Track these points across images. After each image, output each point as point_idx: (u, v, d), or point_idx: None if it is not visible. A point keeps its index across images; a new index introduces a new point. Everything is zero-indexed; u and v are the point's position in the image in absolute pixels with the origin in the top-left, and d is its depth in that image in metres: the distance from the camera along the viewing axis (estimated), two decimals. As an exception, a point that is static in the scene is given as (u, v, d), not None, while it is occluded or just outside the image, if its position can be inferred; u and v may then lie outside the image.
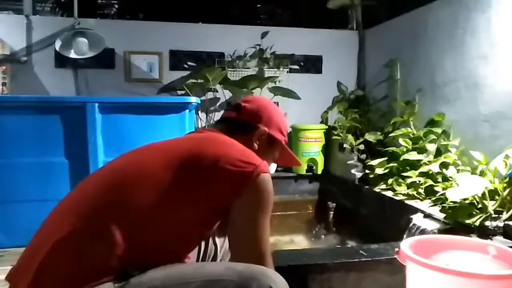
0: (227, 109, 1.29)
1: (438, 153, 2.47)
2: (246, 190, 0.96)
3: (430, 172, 2.33)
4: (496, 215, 1.81)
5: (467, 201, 1.89)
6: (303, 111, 3.63)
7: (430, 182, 2.29)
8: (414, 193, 2.34)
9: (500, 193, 1.83)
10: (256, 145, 1.20)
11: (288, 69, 3.63)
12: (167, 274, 0.88)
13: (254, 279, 0.87)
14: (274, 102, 3.62)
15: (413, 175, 2.41)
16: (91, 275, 0.84)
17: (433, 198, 2.17)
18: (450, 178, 2.23)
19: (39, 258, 0.86)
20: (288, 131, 3.63)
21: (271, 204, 1.00)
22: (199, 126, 3.41)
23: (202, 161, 0.98)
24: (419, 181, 2.35)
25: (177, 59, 3.59)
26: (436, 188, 2.21)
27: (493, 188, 1.85)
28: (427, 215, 2.04)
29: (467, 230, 1.75)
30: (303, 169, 3.46)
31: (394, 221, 2.27)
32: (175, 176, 0.95)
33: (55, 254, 0.86)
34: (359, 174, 2.96)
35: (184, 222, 0.96)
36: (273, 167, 3.48)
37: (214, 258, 1.28)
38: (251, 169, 0.97)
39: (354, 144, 3.12)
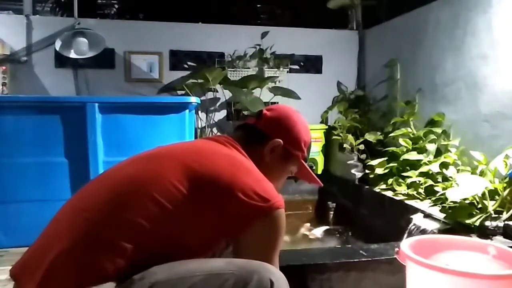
0: (252, 115, 1.28)
1: (438, 153, 2.47)
2: (259, 224, 0.94)
3: (430, 172, 2.33)
4: (496, 215, 1.81)
5: (467, 201, 1.89)
6: (303, 111, 3.55)
7: (430, 182, 2.29)
8: (414, 193, 2.34)
9: (500, 193, 1.83)
10: (268, 157, 1.14)
11: (288, 69, 3.62)
12: (170, 268, 0.88)
13: (255, 272, 0.88)
14: (273, 103, 3.65)
15: (413, 175, 2.41)
16: (93, 282, 0.84)
17: (433, 198, 2.17)
18: (450, 178, 2.23)
19: (45, 263, 0.85)
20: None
21: (282, 240, 0.98)
22: (199, 126, 3.41)
23: (218, 184, 0.95)
24: (419, 181, 2.35)
25: (177, 59, 3.59)
26: (436, 188, 2.21)
27: (493, 188, 1.85)
28: (427, 215, 2.04)
29: (467, 230, 1.75)
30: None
31: (394, 221, 2.27)
32: (188, 194, 0.93)
33: (58, 263, 0.85)
34: (359, 174, 2.96)
35: (189, 238, 0.94)
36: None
37: None
38: (266, 205, 0.94)
39: (354, 144, 3.12)
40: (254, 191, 0.95)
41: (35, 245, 0.93)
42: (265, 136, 1.15)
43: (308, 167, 1.24)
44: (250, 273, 0.87)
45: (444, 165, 2.30)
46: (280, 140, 1.14)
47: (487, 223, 1.76)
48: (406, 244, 1.15)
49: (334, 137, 3.34)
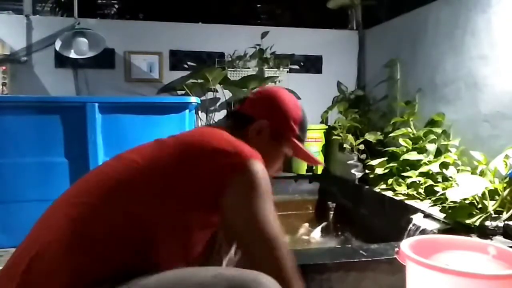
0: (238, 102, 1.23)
1: (438, 153, 2.47)
2: (236, 181, 0.87)
3: (430, 172, 2.33)
4: (496, 215, 1.81)
5: (467, 201, 1.89)
6: None
7: (430, 182, 2.29)
8: (414, 193, 2.34)
9: (500, 193, 1.83)
10: (254, 140, 1.05)
11: (288, 69, 3.63)
12: (158, 278, 0.81)
13: (245, 287, 0.79)
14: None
15: (413, 175, 2.41)
16: (77, 282, 0.79)
17: (433, 198, 2.17)
18: (450, 178, 2.23)
19: (25, 262, 0.82)
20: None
21: (267, 188, 0.90)
22: (199, 126, 3.41)
23: (190, 150, 0.92)
24: (419, 181, 2.35)
25: (177, 59, 3.59)
26: (436, 188, 2.21)
27: (493, 188, 1.85)
28: (427, 215, 2.04)
29: (467, 230, 1.75)
30: (303, 169, 3.46)
31: (394, 221, 2.27)
32: (167, 167, 0.89)
33: (38, 259, 0.81)
34: (359, 174, 2.96)
35: (179, 219, 0.88)
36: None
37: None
38: (239, 160, 0.89)
39: (354, 144, 3.12)
40: (224, 149, 0.90)
41: (17, 249, 0.90)
42: (250, 118, 1.08)
43: (302, 147, 1.14)
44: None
45: (444, 165, 2.30)
46: (266, 121, 1.08)
47: (487, 223, 1.76)
48: (406, 244, 1.15)
49: (334, 137, 3.34)
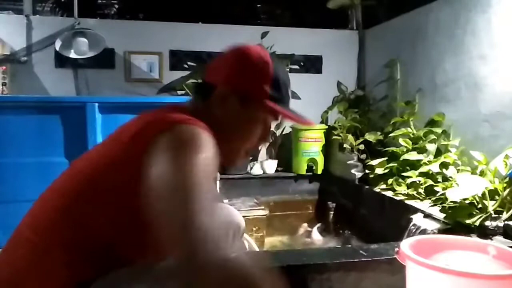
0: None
1: (438, 153, 2.47)
2: (158, 142, 0.73)
3: (430, 172, 2.33)
4: (496, 215, 1.81)
5: (467, 201, 1.89)
6: (303, 111, 3.54)
7: (430, 182, 2.29)
8: (414, 193, 2.34)
9: (500, 193, 1.83)
10: (219, 111, 0.90)
11: (288, 69, 3.63)
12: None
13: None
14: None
15: (413, 175, 2.41)
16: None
17: (433, 198, 2.17)
18: (450, 178, 2.23)
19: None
20: (288, 131, 3.69)
21: (199, 153, 0.71)
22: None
23: (122, 135, 0.84)
24: (419, 181, 2.35)
25: (177, 59, 3.59)
26: (436, 188, 2.21)
27: (493, 188, 1.85)
28: (427, 215, 2.04)
29: (467, 230, 1.75)
30: (303, 169, 3.46)
31: (394, 221, 2.27)
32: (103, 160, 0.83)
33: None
34: (359, 174, 2.96)
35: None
36: (272, 165, 3.49)
37: None
38: (162, 124, 0.77)
39: (354, 144, 3.12)
40: (151, 121, 0.80)
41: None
42: (211, 87, 0.92)
43: (281, 108, 0.96)
44: None
45: (444, 165, 2.30)
46: (229, 86, 0.91)
47: (487, 223, 1.76)
48: (406, 244, 1.15)
49: (334, 137, 3.34)
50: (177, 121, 0.77)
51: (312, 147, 3.45)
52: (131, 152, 0.78)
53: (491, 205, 1.80)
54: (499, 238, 1.70)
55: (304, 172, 3.45)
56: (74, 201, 0.81)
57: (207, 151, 0.72)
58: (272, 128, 0.93)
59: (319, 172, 3.48)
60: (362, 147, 3.10)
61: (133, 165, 0.74)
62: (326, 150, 3.51)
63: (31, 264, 0.78)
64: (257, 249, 1.85)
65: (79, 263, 0.78)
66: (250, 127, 0.95)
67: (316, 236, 2.99)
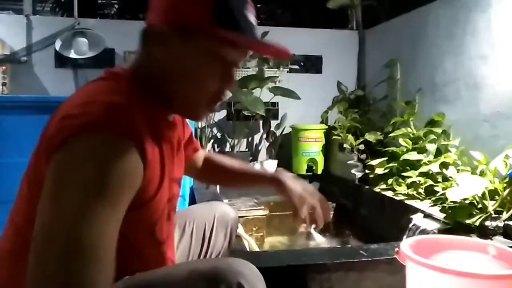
0: None
1: (438, 153, 2.47)
2: (50, 166, 0.62)
3: (430, 172, 2.33)
4: (496, 215, 1.81)
5: (467, 201, 1.89)
6: (303, 111, 3.63)
7: (430, 182, 2.29)
8: (414, 193, 2.34)
9: (500, 193, 1.83)
10: (161, 54, 0.76)
11: (288, 69, 3.63)
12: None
13: (220, 280, 0.67)
14: (273, 103, 3.64)
15: (413, 175, 2.41)
16: None
17: (433, 198, 2.17)
18: (450, 178, 2.23)
19: None
20: (288, 131, 3.69)
21: (90, 179, 0.57)
22: (199, 126, 3.41)
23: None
24: (419, 181, 2.35)
25: (177, 59, 3.58)
26: (436, 188, 2.21)
27: (493, 188, 1.85)
28: (427, 215, 2.04)
29: (467, 230, 1.75)
30: (303, 169, 3.46)
31: (394, 221, 2.27)
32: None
33: None
34: (359, 174, 2.96)
35: None
36: (272, 165, 3.49)
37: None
38: (57, 137, 0.64)
39: (354, 144, 3.12)
40: (54, 124, 0.68)
41: None
42: (149, 29, 0.79)
43: (240, 36, 0.75)
44: (215, 282, 0.67)
45: (444, 165, 2.30)
46: (164, 21, 0.75)
47: (487, 223, 1.76)
48: (406, 244, 1.15)
49: (334, 137, 3.34)
50: (79, 129, 0.61)
51: (312, 147, 3.45)
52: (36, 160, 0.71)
53: (491, 205, 1.80)
54: (499, 238, 1.70)
55: (304, 172, 3.45)
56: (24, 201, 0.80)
57: (111, 177, 0.58)
58: (240, 65, 0.80)
59: (319, 172, 3.48)
60: (362, 147, 3.10)
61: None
62: (326, 150, 3.51)
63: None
64: (257, 249, 1.85)
65: None
66: (200, 65, 0.75)
67: (316, 236, 2.99)
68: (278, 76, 3.53)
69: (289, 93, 3.41)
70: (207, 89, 0.77)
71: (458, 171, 2.27)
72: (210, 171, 1.24)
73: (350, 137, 3.17)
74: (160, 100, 0.78)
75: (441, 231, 1.86)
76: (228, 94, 0.79)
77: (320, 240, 2.87)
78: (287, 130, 3.65)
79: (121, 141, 0.62)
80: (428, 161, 2.41)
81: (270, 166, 3.50)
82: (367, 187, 2.79)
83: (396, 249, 1.17)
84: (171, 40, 0.75)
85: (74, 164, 0.59)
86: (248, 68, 3.48)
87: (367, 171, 2.87)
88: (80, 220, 0.55)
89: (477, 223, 1.75)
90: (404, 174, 2.48)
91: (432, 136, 2.56)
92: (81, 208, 0.56)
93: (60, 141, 0.61)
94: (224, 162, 1.25)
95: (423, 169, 2.37)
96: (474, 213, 1.82)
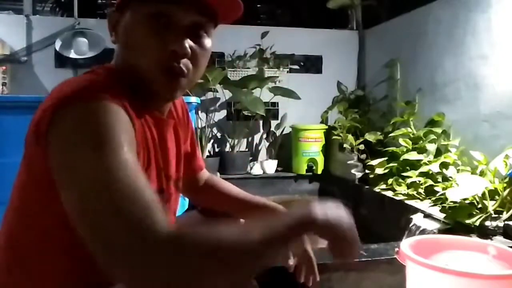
0: None
1: (438, 153, 2.47)
2: (49, 137, 0.62)
3: (430, 172, 2.33)
4: (496, 215, 1.81)
5: (467, 201, 1.89)
6: (303, 111, 3.63)
7: (430, 182, 2.29)
8: (414, 193, 2.34)
9: (500, 193, 1.83)
10: (118, 39, 0.81)
11: (288, 69, 3.63)
12: None
13: None
14: (273, 103, 3.64)
15: (413, 175, 2.41)
16: None
17: (433, 198, 2.17)
18: (450, 178, 2.23)
19: None
20: (288, 131, 3.69)
21: (92, 133, 0.59)
22: (199, 126, 3.41)
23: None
24: (419, 181, 2.35)
25: (177, 59, 3.58)
26: (436, 188, 2.21)
27: (493, 188, 1.85)
28: (427, 215, 2.04)
29: (467, 230, 1.75)
30: (303, 169, 3.46)
31: (394, 221, 2.27)
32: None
33: None
34: (359, 174, 2.96)
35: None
36: (272, 165, 3.49)
37: None
38: (42, 113, 0.66)
39: (354, 144, 3.12)
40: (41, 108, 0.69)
41: None
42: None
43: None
44: None
45: (444, 165, 2.30)
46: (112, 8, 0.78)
47: (487, 223, 1.76)
48: (406, 244, 1.15)
49: (334, 137, 3.34)
50: (60, 104, 0.63)
51: (312, 147, 3.45)
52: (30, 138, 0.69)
53: (491, 205, 1.80)
54: (499, 238, 1.70)
55: (304, 172, 3.46)
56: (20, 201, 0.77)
57: (112, 125, 0.60)
58: (175, 18, 0.71)
59: (319, 172, 3.48)
60: (362, 147, 3.10)
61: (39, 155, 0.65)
62: (326, 150, 3.51)
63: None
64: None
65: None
66: (134, 31, 0.76)
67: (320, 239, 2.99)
68: (278, 76, 3.53)
69: (289, 93, 3.42)
70: (150, 51, 0.74)
71: (458, 171, 2.27)
72: (213, 193, 1.15)
73: (350, 137, 3.17)
74: (137, 92, 0.76)
75: (441, 231, 1.85)
76: (180, 55, 0.73)
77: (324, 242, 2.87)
78: (287, 130, 3.65)
79: (108, 103, 0.63)
80: (428, 161, 2.41)
81: (270, 166, 3.51)
82: (367, 187, 2.79)
83: (396, 249, 1.17)
84: (120, 21, 0.78)
85: (73, 129, 0.60)
86: (248, 68, 3.48)
87: (367, 171, 2.87)
88: (107, 169, 0.55)
89: (477, 223, 1.75)
90: (404, 174, 2.48)
91: (432, 136, 2.56)
92: (100, 159, 0.56)
93: (50, 119, 0.63)
94: (231, 187, 1.15)
95: (423, 169, 2.37)
96: (474, 213, 1.82)
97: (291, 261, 1.05)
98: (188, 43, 0.74)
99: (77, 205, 0.56)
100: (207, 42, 0.79)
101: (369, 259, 1.44)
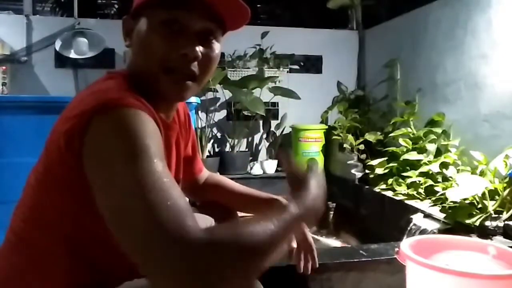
0: None
1: (438, 153, 2.47)
2: (93, 133, 0.64)
3: (430, 172, 2.33)
4: (496, 215, 1.81)
5: (467, 201, 1.89)
6: (303, 111, 3.63)
7: (430, 182, 2.30)
8: (414, 193, 2.34)
9: (500, 193, 1.83)
10: (127, 42, 0.81)
11: (288, 69, 3.63)
12: None
13: None
14: (273, 103, 3.64)
15: (413, 175, 2.41)
16: None
17: (433, 198, 2.17)
18: (450, 178, 2.23)
19: None
20: (288, 131, 3.68)
21: (130, 143, 0.60)
22: (199, 126, 3.41)
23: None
24: (419, 181, 2.35)
25: (177, 59, 3.58)
26: (436, 188, 2.21)
27: (493, 188, 1.86)
28: (427, 215, 2.04)
29: (467, 230, 1.75)
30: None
31: (394, 221, 2.27)
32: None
33: None
34: (359, 174, 2.96)
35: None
36: (272, 165, 3.49)
37: None
38: (77, 119, 0.66)
39: (354, 144, 3.12)
40: (70, 109, 0.72)
41: None
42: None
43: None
44: None
45: (444, 165, 2.30)
46: (129, 15, 0.80)
47: (487, 223, 1.76)
48: (406, 244, 1.15)
49: (334, 137, 3.34)
50: (109, 102, 0.65)
51: (312, 147, 3.45)
52: (56, 135, 0.71)
53: (491, 205, 1.80)
54: (499, 238, 1.70)
55: (304, 172, 3.45)
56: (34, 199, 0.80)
57: (146, 132, 0.63)
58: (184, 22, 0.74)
59: (319, 172, 3.48)
60: (362, 147, 3.10)
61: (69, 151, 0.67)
62: (326, 150, 3.51)
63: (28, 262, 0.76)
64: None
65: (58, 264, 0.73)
66: (146, 36, 0.76)
67: (317, 236, 2.99)
68: (278, 76, 3.53)
69: (289, 93, 3.42)
70: (160, 53, 0.75)
71: (458, 171, 2.27)
72: (215, 190, 1.17)
73: (350, 137, 3.17)
74: (149, 96, 0.76)
75: (441, 231, 1.86)
76: (191, 58, 0.76)
77: (325, 242, 2.88)
78: (287, 130, 3.65)
79: (142, 112, 0.66)
80: (428, 161, 2.41)
81: (270, 166, 3.50)
82: (367, 187, 2.79)
83: (396, 249, 1.17)
84: (134, 28, 0.79)
85: (111, 137, 0.62)
86: (248, 68, 3.48)
87: (367, 171, 2.87)
88: (143, 179, 0.57)
89: (477, 223, 1.75)
90: (404, 174, 2.48)
91: (432, 136, 2.56)
92: (137, 169, 0.58)
93: (86, 126, 0.64)
94: (234, 184, 1.17)
95: (423, 169, 2.37)
96: (474, 213, 1.82)
97: (294, 244, 1.08)
98: (199, 48, 0.77)
99: (114, 217, 0.57)
100: (216, 47, 0.83)
101: (369, 259, 1.44)
